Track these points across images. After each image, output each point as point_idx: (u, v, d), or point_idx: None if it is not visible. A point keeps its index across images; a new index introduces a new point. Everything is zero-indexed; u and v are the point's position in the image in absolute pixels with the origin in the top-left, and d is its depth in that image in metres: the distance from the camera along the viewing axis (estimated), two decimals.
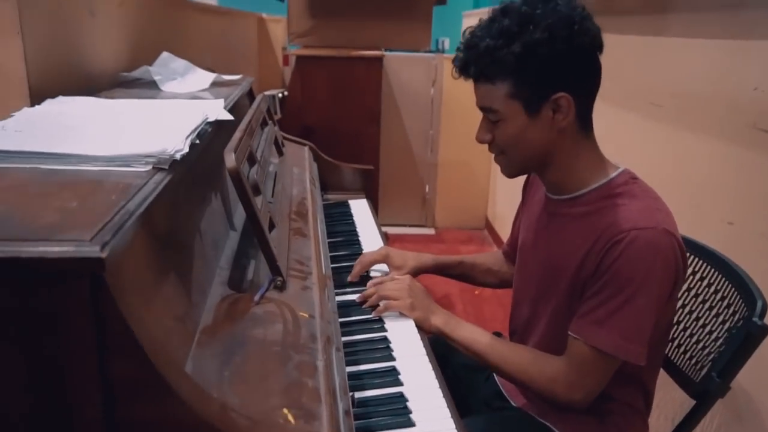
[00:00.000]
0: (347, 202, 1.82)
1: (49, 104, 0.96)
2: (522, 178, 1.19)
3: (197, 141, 0.78)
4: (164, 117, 0.87)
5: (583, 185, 1.00)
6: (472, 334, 1.06)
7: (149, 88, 1.35)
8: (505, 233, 3.41)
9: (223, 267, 0.84)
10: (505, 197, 3.40)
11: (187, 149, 0.68)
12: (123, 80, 1.41)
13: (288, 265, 0.91)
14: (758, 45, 1.30)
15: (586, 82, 0.96)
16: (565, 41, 0.89)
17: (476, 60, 0.94)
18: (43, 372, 0.43)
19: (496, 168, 3.20)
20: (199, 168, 0.87)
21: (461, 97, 3.48)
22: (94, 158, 0.63)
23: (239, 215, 1.06)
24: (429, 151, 3.54)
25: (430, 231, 3.67)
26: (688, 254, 1.16)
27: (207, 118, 0.88)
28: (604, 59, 0.97)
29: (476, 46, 0.93)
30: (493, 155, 1.04)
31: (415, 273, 1.26)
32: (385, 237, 1.59)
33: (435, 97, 3.43)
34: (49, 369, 0.43)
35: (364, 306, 1.13)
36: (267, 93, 2.75)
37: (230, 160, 0.78)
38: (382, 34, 2.29)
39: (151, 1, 1.68)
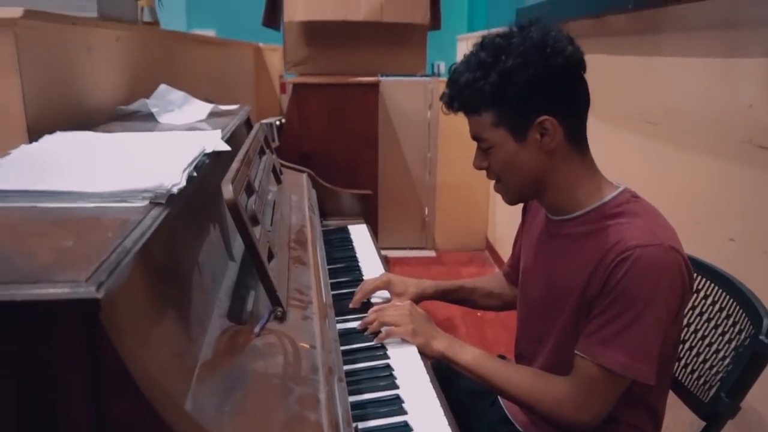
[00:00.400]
0: (347, 227, 1.82)
1: (46, 140, 0.96)
2: None
3: (194, 173, 0.78)
4: (161, 150, 0.87)
5: (583, 205, 1.00)
6: (476, 358, 1.05)
7: (147, 120, 1.36)
8: (505, 254, 3.39)
9: (222, 299, 0.83)
10: (505, 218, 3.40)
11: (184, 183, 0.67)
12: (120, 113, 1.42)
13: (288, 295, 0.91)
14: (751, 63, 1.31)
15: (568, 103, 0.97)
16: (538, 65, 0.91)
17: (458, 94, 0.97)
18: (37, 415, 0.42)
19: None
20: (197, 200, 0.87)
21: (458, 120, 3.48)
22: (90, 195, 0.63)
23: (238, 245, 1.05)
24: (427, 174, 3.55)
25: (431, 253, 3.66)
26: (695, 274, 1.15)
27: (204, 150, 0.88)
28: (600, 79, 0.98)
29: (457, 81, 0.97)
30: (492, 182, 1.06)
31: (417, 299, 1.25)
32: (386, 262, 1.58)
33: (432, 120, 3.45)
34: (44, 412, 0.42)
35: (365, 333, 1.12)
36: (264, 121, 2.77)
37: (228, 191, 0.78)
38: (377, 60, 2.32)
39: (149, 34, 1.70)
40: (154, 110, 1.37)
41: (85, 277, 0.43)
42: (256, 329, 0.78)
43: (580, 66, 0.96)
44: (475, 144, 1.03)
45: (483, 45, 0.95)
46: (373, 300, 1.26)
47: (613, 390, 0.94)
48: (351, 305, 1.23)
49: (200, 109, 1.47)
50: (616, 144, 1.94)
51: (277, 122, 2.15)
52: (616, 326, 0.91)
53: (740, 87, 1.35)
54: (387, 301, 1.25)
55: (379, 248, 1.66)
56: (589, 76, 0.98)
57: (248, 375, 0.67)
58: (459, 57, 3.83)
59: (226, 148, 0.98)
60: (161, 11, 1.82)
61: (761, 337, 0.97)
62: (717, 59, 1.44)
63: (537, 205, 1.16)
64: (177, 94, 1.54)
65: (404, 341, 1.09)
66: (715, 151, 1.43)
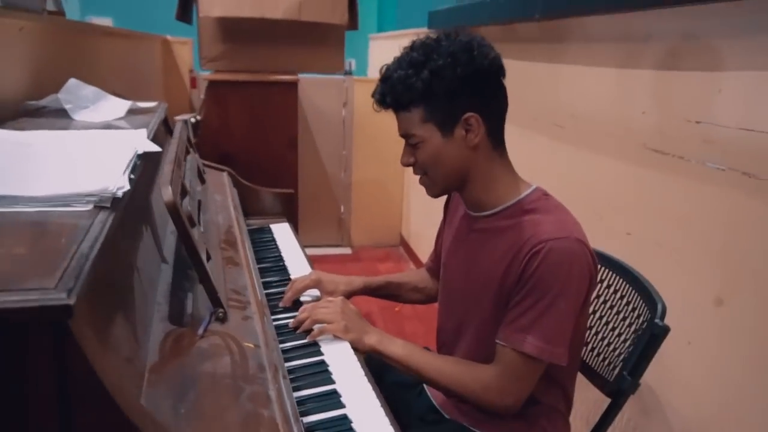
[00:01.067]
0: (269, 227, 1.82)
1: None
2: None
3: (132, 176, 0.77)
4: (91, 150, 0.84)
5: (500, 201, 1.08)
6: (406, 350, 1.10)
7: (59, 117, 1.29)
8: (419, 249, 3.50)
9: (161, 302, 0.83)
10: (418, 214, 3.50)
11: (128, 186, 0.67)
12: (29, 109, 1.34)
13: (226, 296, 0.91)
14: (643, 73, 1.45)
15: (491, 102, 1.05)
16: (466, 64, 0.98)
17: (390, 90, 1.02)
18: (7, 425, 0.42)
19: (410, 186, 3.36)
20: (131, 202, 0.85)
21: (372, 118, 3.55)
22: (29, 199, 0.61)
23: (168, 247, 1.04)
24: (343, 172, 3.59)
25: (347, 250, 3.70)
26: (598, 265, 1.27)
27: (137, 151, 0.87)
28: (511, 83, 1.06)
29: (390, 78, 1.02)
30: (416, 178, 1.11)
31: (347, 296, 1.28)
32: (310, 260, 1.60)
33: (347, 117, 3.49)
34: (14, 422, 0.42)
35: (298, 331, 1.14)
36: (179, 118, 2.69)
37: (167, 193, 0.77)
38: (296, 59, 2.31)
39: (54, 25, 1.60)
40: (67, 106, 1.30)
41: (53, 283, 0.43)
42: (200, 331, 0.78)
43: (501, 70, 1.04)
44: (390, 137, 1.08)
45: (414, 46, 1.02)
46: (302, 299, 1.28)
47: (533, 373, 1.02)
48: (282, 304, 1.24)
49: (117, 106, 1.42)
50: (526, 144, 2.06)
51: (193, 119, 2.10)
52: (533, 314, 0.99)
53: (634, 95, 1.49)
54: (317, 299, 1.27)
55: (303, 247, 1.68)
56: None
57: (198, 376, 0.67)
58: (371, 55, 3.91)
59: (157, 148, 0.96)
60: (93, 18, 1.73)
61: (656, 321, 1.09)
62: (614, 69, 1.57)
63: (457, 202, 1.23)
64: (88, 89, 1.47)
65: (336, 337, 1.12)
66: (614, 153, 1.57)
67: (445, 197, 1.26)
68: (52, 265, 0.46)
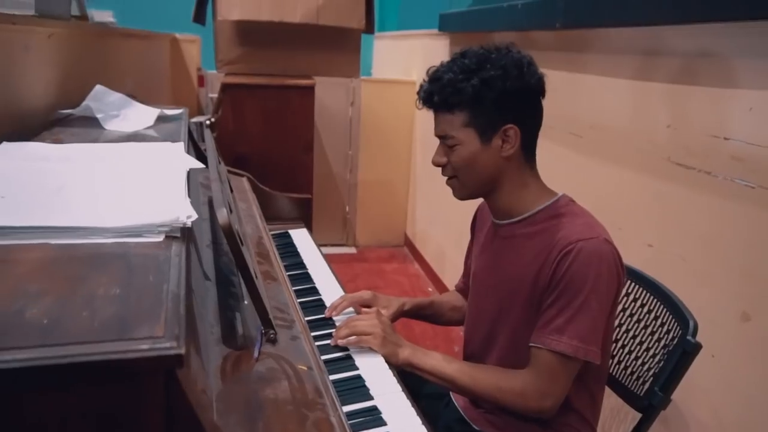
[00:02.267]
0: (288, 232, 1.81)
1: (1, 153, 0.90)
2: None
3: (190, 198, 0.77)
4: (143, 171, 0.84)
5: (529, 208, 1.11)
6: (440, 361, 1.11)
7: (91, 126, 1.29)
8: (424, 249, 3.51)
9: (213, 323, 0.83)
10: (423, 214, 3.51)
11: (195, 214, 0.67)
12: (59, 117, 1.33)
13: (272, 314, 0.91)
14: (669, 87, 1.46)
15: (531, 118, 1.10)
16: (516, 79, 1.03)
17: (440, 91, 1.06)
18: None
19: (415, 186, 3.37)
20: None
21: (379, 118, 3.57)
22: (103, 230, 0.61)
23: (207, 262, 1.04)
24: (348, 172, 3.58)
25: (352, 250, 3.70)
26: (626, 280, 1.28)
27: (188, 171, 0.87)
28: None
29: (440, 78, 1.06)
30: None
31: (397, 314, 1.30)
32: (333, 269, 1.59)
33: (353, 117, 3.48)
34: None
35: (338, 343, 1.13)
36: (195, 120, 2.67)
37: (223, 215, 0.78)
38: (312, 63, 2.31)
39: (79, 30, 1.59)
40: (99, 116, 1.30)
41: (161, 331, 0.43)
42: (255, 354, 0.78)
43: (544, 90, 1.09)
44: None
45: (467, 54, 1.06)
46: (336, 318, 1.27)
47: (569, 373, 1.03)
48: (328, 313, 1.24)
49: (145, 114, 1.42)
50: (543, 152, 2.06)
51: (207, 121, 2.09)
52: (567, 314, 1.00)
53: (658, 108, 1.50)
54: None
55: (323, 254, 1.68)
56: None
57: (263, 404, 0.68)
58: (375, 54, 3.89)
59: (201, 166, 0.96)
60: (89, 2, 1.71)
61: (689, 338, 1.11)
62: (637, 81, 1.58)
63: (482, 219, 1.26)
64: (114, 96, 1.47)
65: (370, 350, 1.12)
66: (636, 164, 1.58)
67: (458, 209, 1.27)
68: (152, 309, 0.46)
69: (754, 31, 1.20)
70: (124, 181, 0.78)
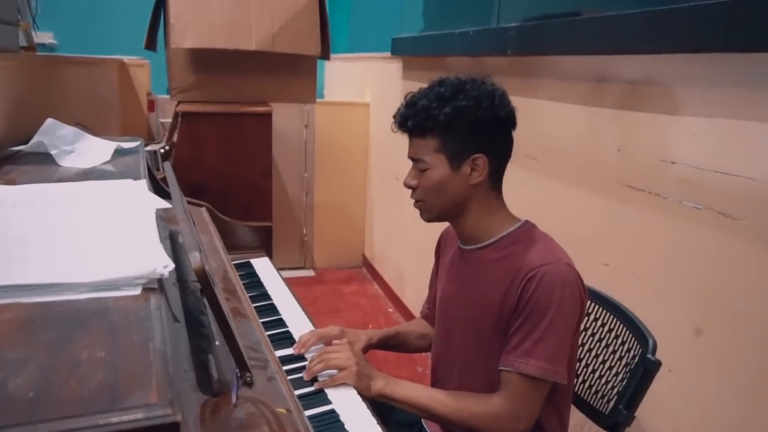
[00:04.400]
0: (250, 262, 1.79)
1: None
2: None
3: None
4: (109, 216, 0.82)
5: (494, 234, 1.14)
6: (414, 391, 1.12)
7: (44, 162, 1.25)
8: (383, 270, 3.52)
9: (187, 369, 0.81)
10: (381, 235, 3.52)
11: (173, 264, 0.66)
12: (9, 155, 1.28)
13: (246, 355, 0.90)
14: (618, 113, 1.53)
15: (500, 149, 1.13)
16: (487, 110, 1.07)
17: (414, 116, 1.09)
18: None
19: (372, 207, 3.39)
20: None
21: (334, 140, 3.57)
22: (78, 286, 0.59)
23: (174, 302, 1.01)
24: (305, 194, 3.57)
25: (310, 273, 3.68)
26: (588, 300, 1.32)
27: (156, 212, 0.85)
28: None
29: (415, 104, 1.10)
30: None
31: (366, 347, 1.30)
32: (298, 298, 1.58)
33: (308, 140, 3.48)
34: None
35: (310, 377, 1.13)
36: (149, 148, 2.61)
37: (196, 260, 0.76)
38: (268, 89, 2.30)
39: (27, 61, 1.54)
40: (53, 152, 1.26)
41: (155, 398, 0.42)
42: (233, 399, 0.77)
43: (514, 123, 1.13)
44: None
45: (443, 83, 1.09)
46: (307, 355, 1.25)
47: (540, 395, 1.06)
48: (297, 350, 1.23)
49: (101, 148, 1.38)
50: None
51: (162, 149, 2.05)
52: (534, 337, 1.03)
53: (609, 133, 1.56)
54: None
55: (288, 284, 1.66)
56: None
57: None
58: (327, 75, 3.91)
59: (167, 205, 0.95)
60: (36, 33, 1.66)
61: (649, 356, 1.15)
62: (588, 107, 1.65)
63: (447, 242, 1.29)
64: (66, 130, 1.43)
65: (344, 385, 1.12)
66: (590, 186, 1.64)
67: (429, 235, 1.30)
68: (142, 373, 0.45)
69: (696, 61, 1.27)
70: (92, 227, 0.76)
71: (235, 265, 1.76)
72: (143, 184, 1.05)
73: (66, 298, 0.58)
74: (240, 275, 1.67)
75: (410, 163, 1.16)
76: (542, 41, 1.75)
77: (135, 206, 0.86)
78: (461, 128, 1.06)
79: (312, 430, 0.80)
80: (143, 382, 0.44)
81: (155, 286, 0.62)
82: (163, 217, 1.31)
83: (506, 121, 1.11)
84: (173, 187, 1.13)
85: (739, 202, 1.19)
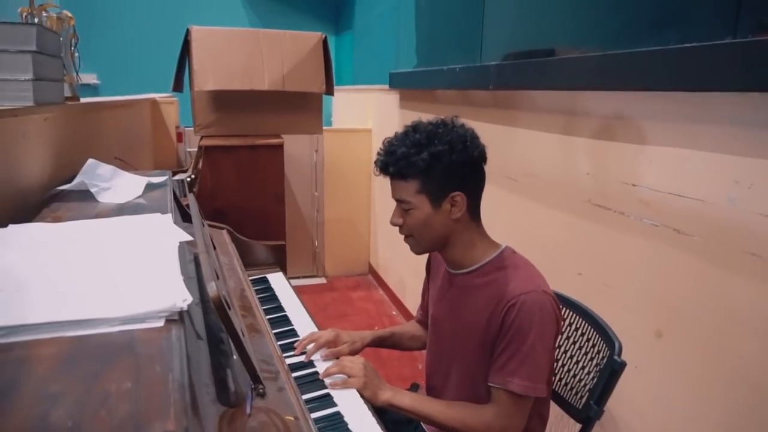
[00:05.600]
0: (266, 277, 1.82)
1: (6, 240, 0.89)
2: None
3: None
4: (135, 250, 0.85)
5: (476, 261, 1.15)
6: (416, 401, 1.13)
7: (85, 199, 1.28)
8: (387, 277, 3.54)
9: (207, 383, 0.83)
10: (385, 246, 3.54)
11: (191, 297, 0.68)
12: (55, 193, 1.32)
13: (259, 368, 0.92)
14: (585, 141, 1.55)
15: (475, 185, 1.14)
16: (460, 153, 1.07)
17: (394, 163, 1.09)
18: None
19: (376, 221, 3.42)
20: None
21: (340, 162, 3.61)
22: (111, 320, 0.61)
23: (197, 321, 1.04)
24: (316, 211, 3.60)
25: (322, 280, 3.70)
26: (561, 306, 1.34)
27: (177, 245, 0.88)
28: None
29: (394, 152, 1.09)
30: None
31: (362, 346, 1.31)
32: (308, 308, 1.60)
33: (318, 163, 3.51)
34: None
35: (325, 377, 1.15)
36: (177, 178, 2.65)
37: (212, 289, 0.79)
38: (279, 123, 2.33)
39: (71, 110, 1.58)
40: (93, 190, 1.29)
41: (172, 425, 0.44)
42: (248, 410, 0.79)
43: (485, 159, 1.13)
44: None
45: (417, 129, 1.10)
46: (314, 359, 1.27)
47: (525, 409, 1.08)
48: (297, 350, 1.25)
49: (134, 183, 1.41)
50: (486, 194, 2.13)
51: (188, 178, 2.09)
52: (517, 359, 1.05)
53: (578, 159, 1.58)
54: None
55: (299, 296, 1.69)
56: None
57: None
58: (334, 105, 3.96)
59: (189, 238, 0.97)
60: (79, 85, 1.70)
61: (615, 357, 1.17)
62: (559, 135, 1.67)
63: (437, 261, 1.30)
64: (105, 168, 1.46)
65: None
66: (563, 206, 1.66)
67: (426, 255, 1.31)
68: (162, 403, 0.47)
69: (653, 98, 1.29)
70: (122, 262, 0.79)
71: (252, 280, 1.79)
72: (169, 218, 1.08)
73: (100, 332, 0.60)
74: (257, 290, 1.70)
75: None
76: (519, 78, 1.77)
77: (160, 240, 0.89)
78: (438, 171, 1.06)
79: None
80: (163, 412, 0.46)
81: (176, 318, 0.65)
82: (191, 244, 1.34)
83: (478, 160, 1.10)
84: (195, 218, 1.16)
85: (690, 220, 1.20)
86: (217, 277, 0.99)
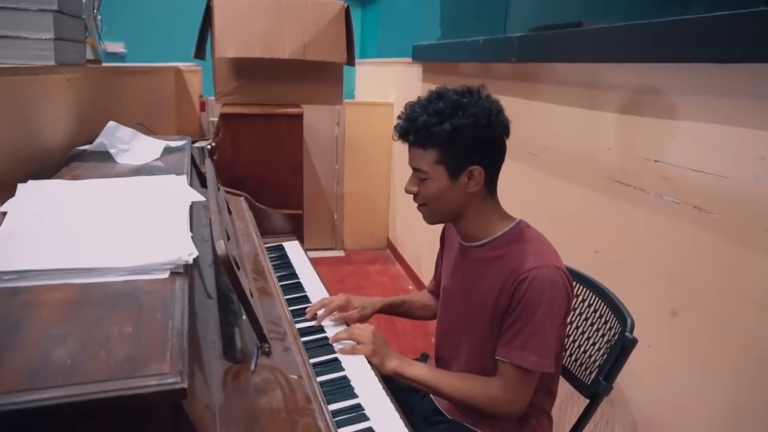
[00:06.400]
0: (282, 245, 1.83)
1: (25, 194, 0.91)
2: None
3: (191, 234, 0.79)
4: (149, 207, 0.86)
5: (489, 234, 1.13)
6: (423, 371, 1.14)
7: (104, 160, 1.29)
8: (405, 251, 3.55)
9: (215, 340, 0.85)
10: (403, 220, 3.54)
11: (196, 252, 0.69)
12: (76, 153, 1.34)
13: (267, 329, 0.93)
14: (607, 116, 1.51)
15: (495, 160, 1.10)
16: (484, 128, 1.04)
17: (415, 131, 1.06)
18: None
19: (395, 196, 3.40)
20: None
21: (361, 136, 3.59)
22: (117, 270, 0.62)
23: (209, 281, 1.05)
24: (336, 184, 3.60)
25: (340, 253, 3.72)
26: (575, 282, 1.32)
27: (189, 205, 0.89)
28: None
29: (416, 120, 1.05)
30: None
31: (372, 312, 1.32)
32: (321, 276, 1.61)
33: (339, 136, 3.50)
34: None
35: (334, 342, 1.17)
36: (198, 144, 2.67)
37: (221, 248, 0.80)
38: (300, 93, 2.32)
39: (93, 72, 1.60)
40: (111, 151, 1.31)
41: (167, 368, 0.45)
42: (252, 366, 0.80)
43: (508, 134, 1.09)
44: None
45: (441, 96, 1.05)
46: (324, 325, 1.29)
47: (531, 383, 1.08)
48: (309, 315, 1.27)
49: (152, 147, 1.42)
50: (505, 168, 2.10)
51: (208, 146, 2.10)
52: (526, 333, 1.04)
53: (600, 133, 1.54)
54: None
55: (314, 264, 1.70)
56: None
57: (259, 413, 0.70)
58: (358, 79, 3.91)
59: (202, 198, 0.98)
60: (102, 47, 1.71)
61: (627, 334, 1.15)
62: (581, 109, 1.63)
63: (452, 233, 1.28)
64: (125, 131, 1.47)
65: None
66: (582, 182, 1.63)
67: (441, 225, 1.30)
68: (160, 347, 0.48)
69: (678, 70, 1.24)
70: (134, 219, 0.80)
71: (268, 247, 1.81)
72: (184, 179, 1.08)
73: (106, 280, 0.61)
74: (272, 257, 1.72)
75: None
76: (542, 50, 1.73)
77: (172, 199, 0.89)
78: (459, 144, 1.03)
79: (321, 394, 0.82)
80: (159, 355, 0.47)
81: (181, 271, 0.65)
82: (204, 205, 1.36)
83: (501, 135, 1.07)
84: (210, 182, 1.17)
85: (711, 197, 1.17)
86: (228, 238, 1.00)
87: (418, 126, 1.05)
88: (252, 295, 0.94)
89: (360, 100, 4.21)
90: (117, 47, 5.07)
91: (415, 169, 1.10)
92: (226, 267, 0.79)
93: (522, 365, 1.04)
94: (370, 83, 4.36)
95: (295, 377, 0.81)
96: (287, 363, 0.85)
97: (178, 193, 0.98)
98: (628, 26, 1.31)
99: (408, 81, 3.30)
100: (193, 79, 3.24)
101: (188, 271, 0.67)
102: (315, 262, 1.71)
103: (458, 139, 1.03)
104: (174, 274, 0.66)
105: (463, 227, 1.15)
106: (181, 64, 3.26)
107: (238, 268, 0.94)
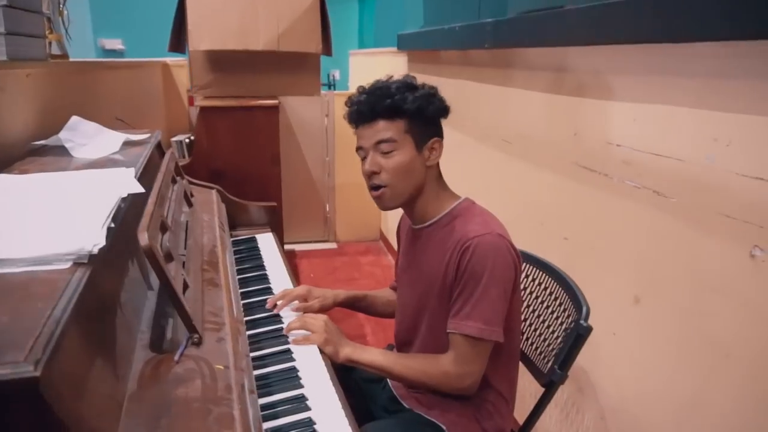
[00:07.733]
0: (255, 237, 1.83)
1: None
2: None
3: (112, 225, 0.79)
4: (79, 199, 0.86)
5: (438, 212, 1.14)
6: (376, 356, 1.13)
7: (61, 155, 1.30)
8: (395, 242, 3.53)
9: (143, 330, 0.85)
10: (395, 212, 3.52)
11: (104, 242, 0.69)
12: (33, 149, 1.35)
13: (203, 319, 0.93)
14: (573, 100, 1.48)
15: (442, 136, 1.13)
16: (440, 101, 1.10)
17: (382, 101, 1.06)
18: None
19: None
20: (114, 241, 0.87)
21: (350, 129, 3.57)
22: (15, 261, 0.63)
23: (154, 274, 1.05)
24: (327, 176, 3.59)
25: (333, 245, 3.72)
26: (532, 266, 1.31)
27: (120, 197, 0.89)
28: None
29: (389, 88, 1.07)
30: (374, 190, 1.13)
31: (331, 304, 1.32)
32: (289, 268, 1.61)
33: (329, 127, 3.49)
34: None
35: (286, 332, 1.17)
36: (174, 139, 2.68)
37: (143, 239, 0.79)
38: (277, 84, 2.32)
39: (58, 68, 1.60)
40: (67, 145, 1.31)
41: (22, 356, 0.45)
42: (176, 357, 0.80)
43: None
44: None
45: (389, 80, 1.11)
46: (282, 313, 1.29)
47: (482, 354, 1.06)
48: (269, 304, 1.28)
49: (113, 139, 1.42)
50: (482, 156, 2.09)
51: (187, 139, 2.10)
52: (472, 302, 1.03)
53: (567, 119, 1.51)
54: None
55: (284, 255, 1.70)
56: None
57: (172, 402, 0.70)
58: (351, 68, 3.90)
59: (141, 190, 0.98)
60: (69, 43, 1.72)
61: (581, 322, 1.13)
62: (550, 95, 1.60)
63: (404, 226, 1.29)
64: (89, 126, 1.47)
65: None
66: (552, 168, 1.60)
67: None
68: (25, 335, 0.48)
69: (632, 51, 1.22)
70: (54, 212, 0.80)
71: (240, 240, 1.82)
72: (131, 171, 1.08)
73: (6, 272, 0.61)
74: (242, 249, 1.72)
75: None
76: (511, 34, 1.70)
77: (106, 191, 0.89)
78: (427, 113, 1.07)
79: (248, 384, 0.82)
80: (22, 343, 0.47)
81: (85, 261, 0.65)
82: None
83: (448, 112, 1.13)
84: (160, 174, 1.17)
85: (669, 181, 1.14)
86: (167, 230, 1.00)
87: (392, 92, 1.06)
88: (187, 287, 0.94)
89: (347, 91, 4.18)
90: (115, 44, 5.10)
91: (380, 142, 1.07)
92: (148, 257, 0.79)
93: (470, 334, 1.03)
94: (362, 74, 4.33)
95: (221, 367, 0.81)
96: (217, 353, 0.84)
97: (119, 185, 0.98)
98: (580, 9, 1.28)
99: (395, 70, 3.27)
100: (181, 74, 3.25)
101: (94, 260, 0.67)
102: (308, 254, 1.70)
103: (426, 108, 1.07)
104: (77, 264, 0.65)
105: (418, 207, 1.15)
106: (169, 59, 3.27)
107: (172, 260, 0.94)
